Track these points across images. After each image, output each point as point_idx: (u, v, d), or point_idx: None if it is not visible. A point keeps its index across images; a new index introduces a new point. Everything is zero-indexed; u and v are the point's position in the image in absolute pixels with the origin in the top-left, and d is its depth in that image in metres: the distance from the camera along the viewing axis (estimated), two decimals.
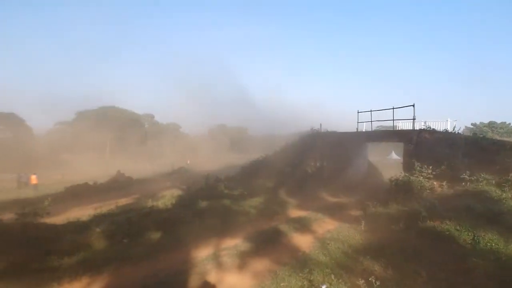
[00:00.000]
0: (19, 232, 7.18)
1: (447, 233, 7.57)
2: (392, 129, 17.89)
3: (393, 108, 16.08)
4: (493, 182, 10.08)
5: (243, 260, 7.48)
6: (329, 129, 21.38)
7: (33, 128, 62.06)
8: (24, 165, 40.13)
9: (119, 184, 25.24)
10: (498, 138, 17.01)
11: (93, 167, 51.50)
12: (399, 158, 60.47)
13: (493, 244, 6.65)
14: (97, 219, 10.02)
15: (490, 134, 24.91)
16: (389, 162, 57.98)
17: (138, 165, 57.09)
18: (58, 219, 10.88)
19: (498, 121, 47.08)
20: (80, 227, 8.85)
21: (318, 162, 19.28)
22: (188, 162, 54.34)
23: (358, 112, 19.09)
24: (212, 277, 6.54)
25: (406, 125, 17.60)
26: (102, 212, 12.36)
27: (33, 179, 27.05)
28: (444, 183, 11.24)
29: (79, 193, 20.35)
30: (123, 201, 16.84)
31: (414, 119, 14.90)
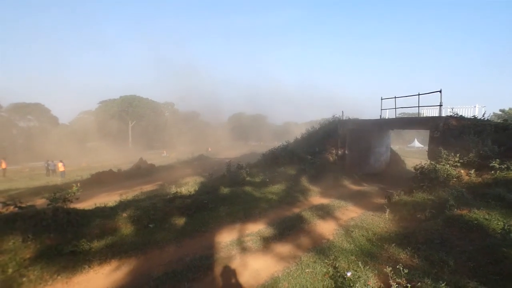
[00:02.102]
0: (51, 217, 7.42)
1: (476, 222, 7.38)
2: (417, 116, 17.43)
3: (418, 94, 15.63)
4: None
5: (267, 246, 7.55)
6: (351, 117, 21.05)
7: (59, 118, 63.66)
8: (51, 153, 41.55)
9: (141, 171, 25.73)
10: None
11: (116, 154, 52.83)
12: (422, 146, 59.58)
13: None
14: (123, 205, 10.24)
15: None
16: (412, 150, 57.08)
17: (158, 152, 58.20)
18: (86, 205, 11.24)
19: None
20: (107, 212, 9.07)
21: (340, 150, 19.06)
22: (209, 149, 55.03)
23: (381, 99, 18.69)
24: (236, 262, 6.62)
25: (432, 112, 17.12)
26: (127, 198, 12.65)
27: (60, 166, 27.97)
28: (472, 171, 10.93)
29: (104, 179, 20.89)
30: (147, 188, 17.20)
31: (441, 105, 14.45)
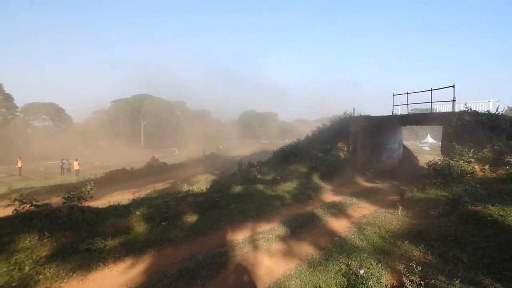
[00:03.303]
0: (66, 215, 7.56)
1: (490, 218, 7.25)
2: (429, 111, 17.18)
3: (431, 90, 15.39)
4: None
5: (279, 244, 7.55)
6: (363, 113, 20.88)
7: (72, 117, 64.63)
8: (65, 152, 42.27)
9: (154, 170, 25.99)
10: None
11: (129, 153, 53.47)
12: (435, 142, 58.76)
13: None
14: (136, 203, 10.35)
15: None
16: (425, 146, 56.33)
17: (170, 150, 58.68)
18: (100, 203, 11.39)
19: None
20: (121, 210, 9.18)
21: (351, 147, 18.93)
22: (221, 147, 55.23)
23: (393, 95, 18.48)
24: (249, 260, 6.65)
25: (445, 108, 16.86)
26: (140, 196, 12.75)
27: (75, 165, 28.41)
28: (486, 167, 10.75)
29: (117, 178, 21.19)
30: (159, 186, 17.35)
31: (454, 100, 14.22)
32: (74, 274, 5.94)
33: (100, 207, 9.37)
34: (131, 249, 7.15)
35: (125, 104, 71.17)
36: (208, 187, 12.98)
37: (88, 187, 8.93)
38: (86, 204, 8.69)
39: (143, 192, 14.51)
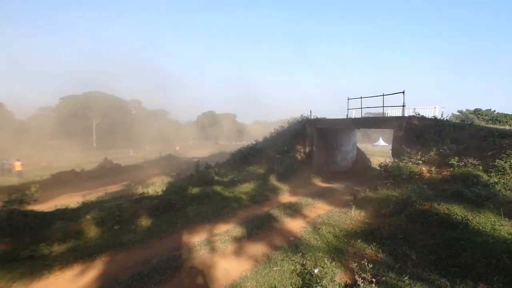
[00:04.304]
0: (5, 220, 7.01)
1: (436, 217, 7.71)
2: (381, 115, 17.98)
3: (383, 95, 16.11)
4: (480, 167, 10.27)
5: (236, 245, 7.50)
6: (320, 116, 21.41)
7: (15, 113, 59.86)
8: (6, 151, 39.12)
9: (106, 171, 24.99)
10: (484, 124, 17.24)
11: (79, 154, 50.82)
12: (386, 144, 61.66)
13: (481, 228, 6.80)
14: (86, 206, 9.89)
15: (476, 121, 25.29)
16: (377, 148, 59.00)
17: (125, 151, 56.65)
18: (46, 207, 10.73)
19: (483, 108, 47.83)
20: (69, 215, 8.71)
21: (308, 149, 19.33)
22: (177, 148, 54.00)
23: (348, 99, 19.11)
24: (205, 262, 6.54)
25: (395, 112, 17.72)
26: (91, 199, 12.22)
27: (17, 165, 26.49)
28: (432, 169, 11.43)
29: (66, 180, 20.13)
30: (112, 188, 16.70)
31: (404, 105, 14.99)
32: (15, 284, 5.51)
33: (45, 211, 8.81)
34: (80, 255, 6.78)
35: (76, 101, 67.11)
36: (164, 189, 12.67)
37: (33, 190, 8.36)
38: (30, 208, 8.13)
39: (94, 195, 13.91)
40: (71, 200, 13.05)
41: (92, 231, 7.99)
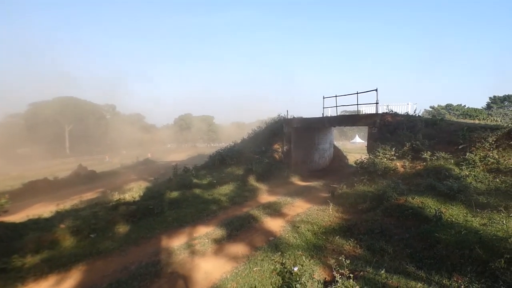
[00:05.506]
0: None
1: (411, 211, 7.93)
2: (356, 113, 18.31)
3: (357, 93, 16.39)
4: (452, 161, 10.64)
5: (216, 247, 7.47)
6: (297, 115, 21.58)
7: None
8: None
9: (81, 179, 24.34)
10: (455, 119, 17.85)
11: (52, 161, 49.27)
12: (363, 141, 62.81)
13: (454, 219, 7.06)
14: (61, 215, 9.61)
15: (447, 116, 26.16)
16: (353, 145, 60.07)
17: (100, 157, 55.31)
18: (18, 217, 10.39)
19: (454, 104, 49.65)
20: (42, 224, 8.46)
21: (286, 148, 19.47)
22: (149, 155, 52.25)
23: (323, 98, 19.34)
24: (185, 266, 6.48)
25: (370, 109, 18.06)
26: (65, 208, 11.86)
27: None
28: (406, 164, 11.74)
29: (38, 189, 19.50)
30: (87, 196, 16.34)
31: (377, 103, 15.31)
32: None
33: (17, 222, 8.50)
34: (55, 265, 6.59)
35: (46, 107, 64.65)
36: (142, 194, 12.43)
37: (2, 200, 8.05)
38: (0, 219, 7.83)
39: (69, 203, 13.53)
40: (44, 209, 12.63)
41: (67, 241, 7.77)
